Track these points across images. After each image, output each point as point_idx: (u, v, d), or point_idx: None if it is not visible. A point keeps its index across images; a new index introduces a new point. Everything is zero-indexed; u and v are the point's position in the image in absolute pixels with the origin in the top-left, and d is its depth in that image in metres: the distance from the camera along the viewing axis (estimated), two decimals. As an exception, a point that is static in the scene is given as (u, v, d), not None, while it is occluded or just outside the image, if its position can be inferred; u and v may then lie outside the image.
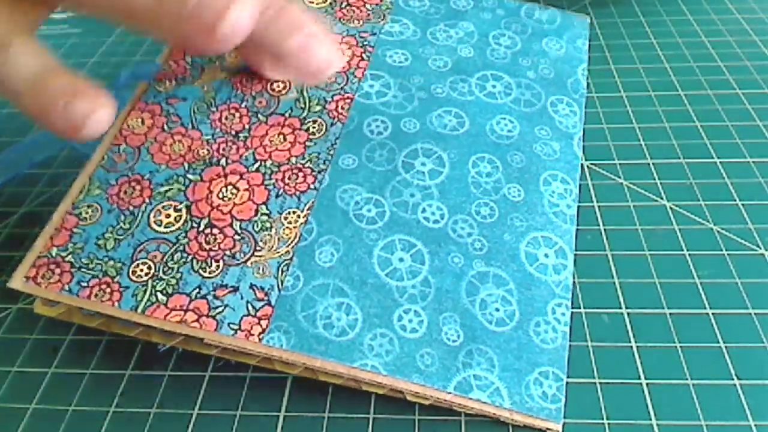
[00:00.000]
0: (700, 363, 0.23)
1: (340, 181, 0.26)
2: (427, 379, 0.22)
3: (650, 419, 0.22)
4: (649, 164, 0.31)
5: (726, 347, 0.24)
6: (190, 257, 0.23)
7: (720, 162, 0.31)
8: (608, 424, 0.22)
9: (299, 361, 0.22)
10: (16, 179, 0.34)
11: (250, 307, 0.22)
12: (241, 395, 0.24)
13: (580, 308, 0.25)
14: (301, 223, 0.24)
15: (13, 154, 0.33)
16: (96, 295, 0.22)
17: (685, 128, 0.33)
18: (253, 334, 0.22)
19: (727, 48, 0.38)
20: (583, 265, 0.27)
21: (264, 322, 0.22)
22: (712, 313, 0.25)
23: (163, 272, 0.23)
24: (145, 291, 0.22)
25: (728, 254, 0.27)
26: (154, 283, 0.23)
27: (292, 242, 0.24)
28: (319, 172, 0.26)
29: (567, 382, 0.23)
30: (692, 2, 0.43)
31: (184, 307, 0.22)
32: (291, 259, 0.23)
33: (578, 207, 0.27)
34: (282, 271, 0.23)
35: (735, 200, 0.29)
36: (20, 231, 0.32)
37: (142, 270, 0.23)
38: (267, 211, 0.24)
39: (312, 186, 0.25)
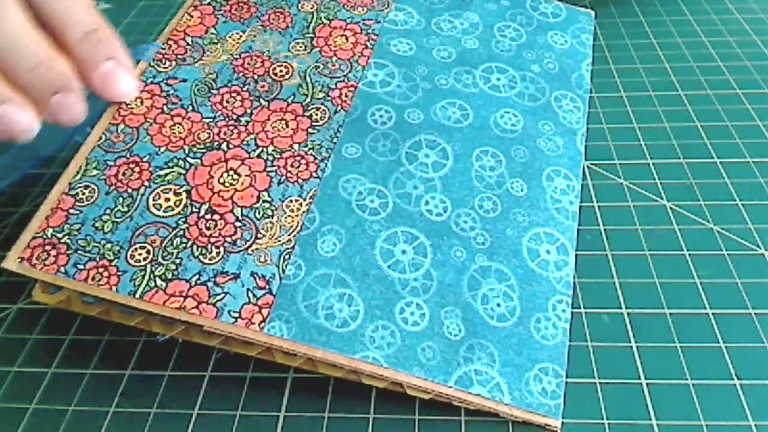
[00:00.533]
0: (700, 363, 0.23)
1: (343, 171, 0.26)
2: (428, 372, 0.22)
3: (650, 419, 0.22)
4: (649, 164, 0.31)
5: (726, 347, 0.24)
6: (190, 243, 0.23)
7: (720, 162, 0.31)
8: (608, 424, 0.22)
9: (300, 351, 0.21)
10: (22, 178, 0.34)
11: (250, 295, 0.22)
12: (241, 395, 0.24)
13: (580, 308, 0.25)
14: (303, 212, 0.24)
15: (18, 152, 0.33)
16: (93, 279, 0.22)
17: (685, 128, 0.33)
18: (253, 323, 0.22)
19: (727, 48, 0.38)
20: (583, 265, 0.27)
21: (265, 311, 0.22)
22: (712, 313, 0.25)
23: (162, 257, 0.23)
24: (143, 276, 0.22)
25: (728, 254, 0.27)
26: (153, 268, 0.22)
27: (294, 231, 0.24)
28: (322, 160, 0.26)
29: (567, 382, 0.23)
30: (692, 2, 0.43)
31: (184, 294, 0.22)
32: (293, 247, 0.23)
33: (578, 207, 0.27)
34: (284, 260, 0.23)
35: (735, 200, 0.29)
36: (20, 231, 0.31)
37: (140, 254, 0.23)
38: (269, 199, 0.24)
39: (314, 174, 0.25)
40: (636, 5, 0.43)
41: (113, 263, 0.22)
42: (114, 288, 0.22)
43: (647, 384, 0.23)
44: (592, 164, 0.31)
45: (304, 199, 0.25)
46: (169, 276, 0.22)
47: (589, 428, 0.22)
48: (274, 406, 0.23)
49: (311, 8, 0.31)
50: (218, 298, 0.22)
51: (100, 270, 0.22)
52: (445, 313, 0.23)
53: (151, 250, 0.23)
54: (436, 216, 0.25)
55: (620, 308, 0.25)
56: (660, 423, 0.22)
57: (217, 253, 0.23)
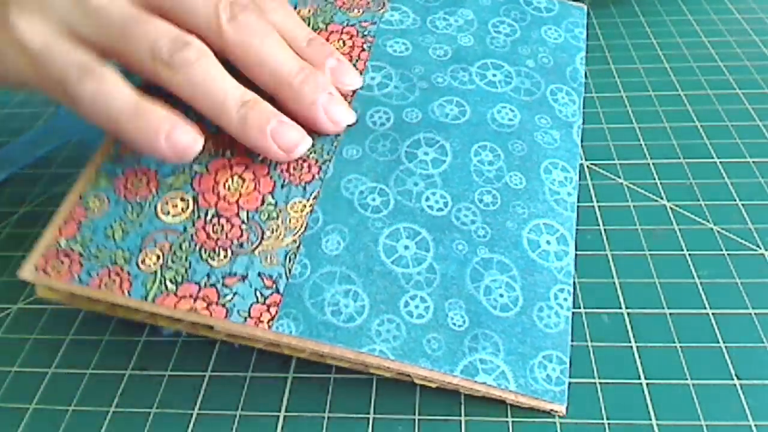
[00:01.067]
0: (700, 363, 0.23)
1: (345, 172, 0.26)
2: (434, 363, 0.22)
3: (650, 419, 0.22)
4: (649, 164, 0.31)
5: (726, 347, 0.24)
6: (198, 246, 0.23)
7: (720, 162, 0.31)
8: (608, 424, 0.22)
9: (308, 348, 0.22)
10: (18, 175, 0.34)
11: (258, 295, 0.23)
12: (241, 395, 0.24)
13: (580, 308, 0.25)
14: (307, 212, 0.25)
15: (15, 149, 0.33)
16: (106, 285, 0.23)
17: (685, 128, 0.33)
18: (262, 321, 0.22)
19: (727, 48, 0.38)
20: (583, 265, 0.27)
21: (273, 309, 0.22)
22: (712, 313, 0.25)
23: (172, 261, 0.23)
24: (154, 280, 0.23)
25: (728, 254, 0.27)
26: (164, 272, 0.23)
27: (298, 231, 0.24)
28: (324, 162, 0.26)
29: (567, 382, 0.23)
30: (692, 2, 0.43)
31: (194, 296, 0.22)
32: (298, 247, 0.24)
33: (578, 207, 0.27)
34: (290, 260, 0.23)
35: (735, 200, 0.29)
36: (20, 231, 0.32)
37: (150, 259, 0.23)
38: (273, 201, 0.25)
39: (317, 176, 0.26)
40: (636, 5, 0.43)
41: (125, 269, 0.23)
42: (126, 293, 0.22)
43: (647, 384, 0.23)
44: (592, 164, 0.31)
45: (308, 200, 0.25)
46: (179, 279, 0.23)
47: (589, 428, 0.22)
48: (274, 406, 0.23)
49: (308, 13, 0.32)
50: (227, 298, 0.22)
51: (113, 276, 0.23)
52: (449, 305, 0.23)
53: (161, 254, 0.23)
54: (437, 211, 0.25)
55: (620, 308, 0.25)
56: (660, 423, 0.22)
57: (225, 256, 0.23)
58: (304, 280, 0.23)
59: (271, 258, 0.23)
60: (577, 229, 0.26)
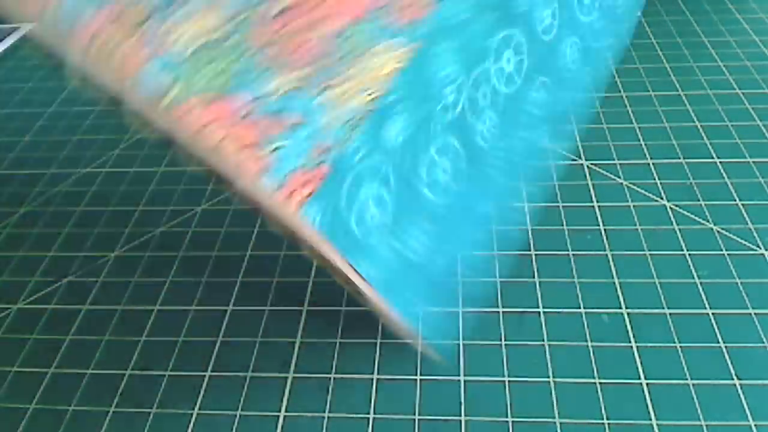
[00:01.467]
0: (700, 363, 0.23)
1: (441, 37, 0.21)
2: (405, 311, 0.22)
3: (650, 419, 0.22)
4: (649, 164, 0.31)
5: (726, 347, 0.24)
6: (252, 50, 0.16)
7: (720, 162, 0.31)
8: (608, 424, 0.22)
9: (323, 250, 0.19)
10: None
11: (305, 160, 0.18)
12: (241, 395, 0.24)
13: (580, 308, 0.25)
14: (392, 70, 0.20)
15: None
16: (100, 40, 0.14)
17: (685, 128, 0.33)
18: (293, 198, 0.17)
19: (727, 48, 0.38)
20: (583, 265, 0.27)
21: (310, 187, 0.18)
22: (712, 313, 0.25)
23: (209, 58, 0.16)
24: (178, 75, 0.15)
25: (728, 254, 0.27)
26: (194, 71, 0.15)
27: (374, 93, 0.19)
28: (422, 7, 0.21)
29: (567, 382, 0.23)
30: (692, 2, 0.43)
31: (227, 122, 0.16)
32: (362, 119, 0.19)
33: (578, 207, 0.27)
34: (350, 129, 0.19)
35: (735, 200, 0.29)
36: (20, 231, 0.32)
37: (178, 39, 0.15)
38: (360, 30, 0.19)
39: (421, 16, 0.21)
40: (636, 5, 0.43)
41: (132, 38, 0.14)
42: (133, 69, 0.14)
43: (647, 384, 0.23)
44: (592, 164, 0.31)
45: (397, 51, 0.20)
46: (214, 90, 0.16)
47: (589, 428, 0.22)
48: (274, 406, 0.23)
49: None
50: (271, 148, 0.17)
51: (112, 30, 0.14)
52: (441, 254, 0.23)
53: (194, 41, 0.15)
54: (482, 141, 0.24)
55: (620, 308, 0.25)
56: (660, 423, 0.22)
57: (283, 80, 0.17)
58: (355, 162, 0.19)
59: (333, 115, 0.18)
60: (577, 229, 0.26)
